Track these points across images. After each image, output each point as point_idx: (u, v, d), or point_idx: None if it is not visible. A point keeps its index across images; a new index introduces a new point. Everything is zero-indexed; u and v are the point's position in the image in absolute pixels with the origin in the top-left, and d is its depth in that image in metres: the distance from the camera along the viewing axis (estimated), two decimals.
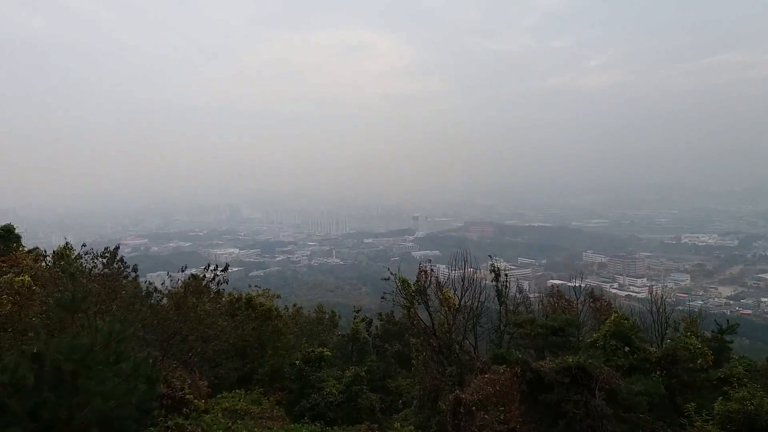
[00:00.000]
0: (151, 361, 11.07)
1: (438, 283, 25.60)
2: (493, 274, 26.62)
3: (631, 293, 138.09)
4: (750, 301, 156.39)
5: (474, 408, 15.42)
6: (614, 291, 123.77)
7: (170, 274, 21.16)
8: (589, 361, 16.33)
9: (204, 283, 19.01)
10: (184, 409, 14.31)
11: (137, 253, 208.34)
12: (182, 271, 19.88)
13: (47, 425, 8.10)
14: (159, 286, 19.60)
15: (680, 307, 36.33)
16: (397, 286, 25.10)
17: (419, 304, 25.11)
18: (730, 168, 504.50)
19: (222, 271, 19.06)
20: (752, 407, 12.75)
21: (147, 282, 20.99)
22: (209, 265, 19.44)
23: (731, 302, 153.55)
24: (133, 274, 21.42)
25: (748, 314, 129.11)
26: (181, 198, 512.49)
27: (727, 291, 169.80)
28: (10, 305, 16.86)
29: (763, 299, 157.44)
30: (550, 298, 29.45)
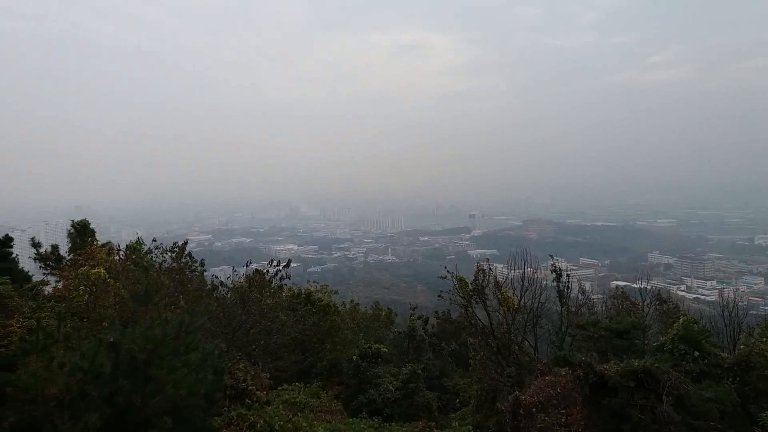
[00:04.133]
0: (217, 352, 11.45)
1: (496, 282, 25.23)
2: (553, 275, 25.94)
3: (699, 296, 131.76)
4: None
5: (534, 410, 15.13)
6: (681, 293, 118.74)
7: (235, 268, 21.76)
8: (656, 365, 15.75)
9: (267, 278, 19.48)
10: (247, 400, 14.72)
11: (201, 248, 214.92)
12: (246, 266, 20.42)
13: (122, 411, 8.44)
14: (224, 280, 20.21)
15: (754, 312, 34.43)
16: (455, 285, 24.89)
17: (477, 303, 24.82)
18: None
19: (284, 266, 19.46)
20: None
21: (212, 276, 21.67)
22: (272, 261, 19.89)
23: None
24: (200, 269, 22.19)
25: None
26: (243, 196, 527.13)
27: None
28: (87, 296, 17.85)
29: None
30: (614, 300, 28.51)
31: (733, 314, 24.74)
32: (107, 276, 18.84)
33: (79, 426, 7.50)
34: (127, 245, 25.03)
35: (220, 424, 12.55)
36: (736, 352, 21.05)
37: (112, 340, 9.12)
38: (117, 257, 23.59)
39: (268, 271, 19.58)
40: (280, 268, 19.14)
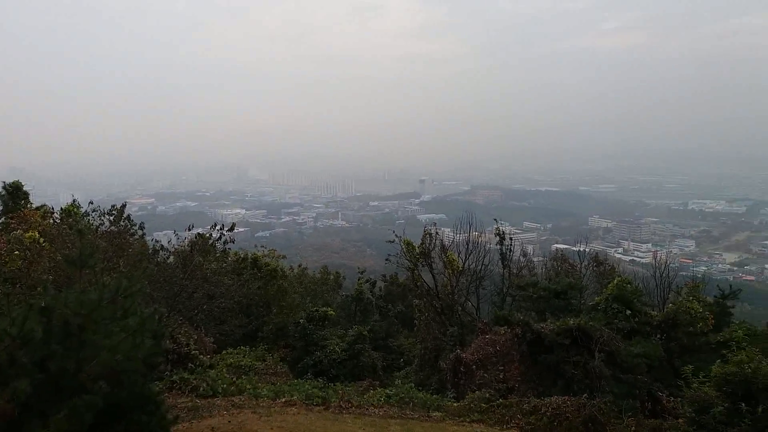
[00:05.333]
0: (157, 317, 11.28)
1: (442, 246, 25.77)
2: (497, 238, 26.70)
3: (635, 258, 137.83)
4: (754, 268, 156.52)
5: (474, 367, 15.73)
6: (618, 256, 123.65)
7: (177, 232, 21.33)
8: (590, 323, 16.50)
9: (210, 242, 19.20)
10: (190, 365, 14.66)
11: (144, 212, 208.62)
12: (189, 230, 20.01)
13: (54, 377, 8.28)
14: (166, 245, 19.81)
15: (684, 273, 36.44)
16: (402, 249, 25.30)
17: (423, 266, 25.34)
18: (746, 134, 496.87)
19: (228, 230, 19.17)
20: (750, 370, 12.81)
21: (154, 240, 21.17)
22: (215, 225, 19.56)
23: (735, 268, 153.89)
24: (140, 232, 21.60)
25: (752, 280, 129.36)
26: (189, 158, 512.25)
27: (731, 257, 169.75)
28: (20, 261, 17.12)
29: (767, 266, 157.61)
30: (554, 262, 29.57)
31: (664, 275, 26.15)
32: (42, 240, 18.10)
33: (8, 392, 7.29)
34: (62, 208, 24.04)
35: (161, 389, 12.47)
36: (665, 310, 22.31)
37: (43, 304, 8.84)
38: (51, 220, 22.65)
39: (211, 235, 19.26)
40: (224, 232, 18.84)
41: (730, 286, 24.65)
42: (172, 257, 19.48)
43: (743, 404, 12.48)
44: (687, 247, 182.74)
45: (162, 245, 19.60)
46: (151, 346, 9.75)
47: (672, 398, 14.71)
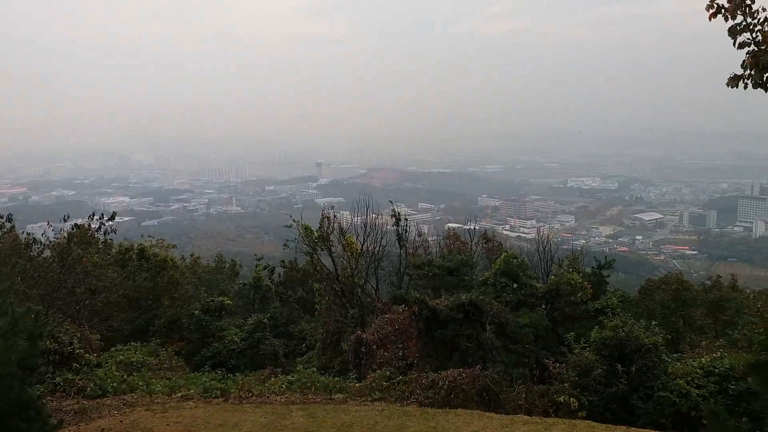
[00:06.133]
0: (33, 316, 10.40)
1: (341, 229, 25.86)
2: (394, 219, 27.22)
3: (521, 234, 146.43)
4: (626, 239, 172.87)
5: (375, 346, 16.02)
6: (506, 233, 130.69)
7: (51, 224, 19.58)
8: (481, 297, 17.32)
9: (90, 233, 17.86)
10: (75, 365, 13.70)
11: (15, 203, 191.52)
12: (64, 221, 18.46)
13: None
14: (39, 237, 18.16)
15: (565, 246, 39.23)
16: (301, 234, 25.09)
17: (322, 250, 25.31)
18: (617, 115, 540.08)
19: (108, 220, 17.86)
20: (623, 334, 14.16)
21: (26, 233, 19.30)
22: (94, 214, 18.18)
23: (610, 240, 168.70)
24: (8, 225, 19.59)
25: (625, 251, 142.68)
26: (65, 143, 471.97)
27: (606, 230, 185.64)
28: None
29: (637, 237, 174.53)
30: (447, 241, 30.65)
31: (547, 249, 27.98)
32: None
33: None
34: None
35: (42, 392, 11.56)
36: (548, 282, 23.94)
37: None
38: None
39: (90, 225, 17.89)
40: (104, 221, 17.55)
41: (606, 257, 26.92)
42: (47, 251, 17.92)
43: (619, 365, 13.80)
44: (567, 222, 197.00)
45: (35, 238, 17.92)
46: (27, 347, 9.03)
47: (558, 364, 15.83)
